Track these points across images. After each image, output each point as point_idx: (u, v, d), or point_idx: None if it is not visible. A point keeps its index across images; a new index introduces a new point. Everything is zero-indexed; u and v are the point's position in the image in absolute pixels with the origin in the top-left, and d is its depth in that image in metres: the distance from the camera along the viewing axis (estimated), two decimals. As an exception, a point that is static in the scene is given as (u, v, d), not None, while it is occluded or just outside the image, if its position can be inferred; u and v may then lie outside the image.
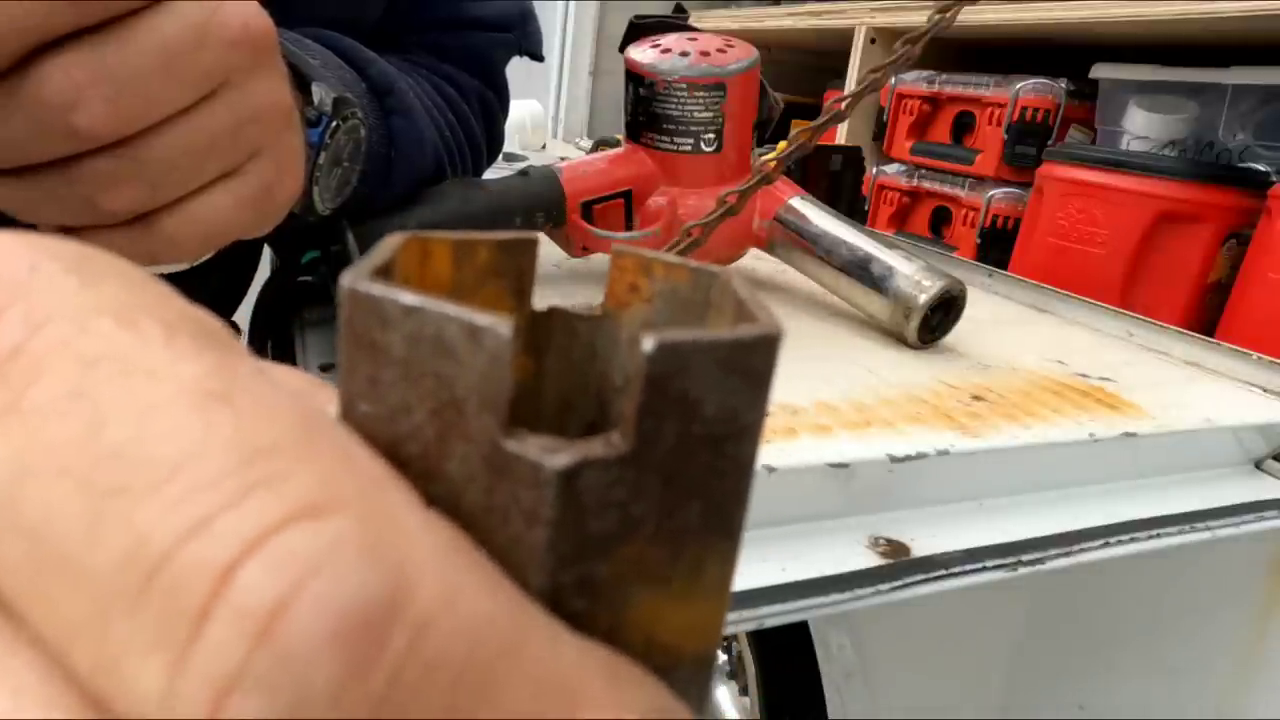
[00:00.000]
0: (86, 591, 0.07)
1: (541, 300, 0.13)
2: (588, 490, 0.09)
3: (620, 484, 0.09)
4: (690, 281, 0.12)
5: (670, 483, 0.09)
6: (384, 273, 0.10)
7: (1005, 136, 1.23)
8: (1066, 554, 0.33)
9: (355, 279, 0.09)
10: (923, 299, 0.47)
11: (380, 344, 0.09)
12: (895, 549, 0.32)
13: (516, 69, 0.61)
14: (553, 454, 0.08)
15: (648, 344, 0.08)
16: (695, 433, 0.09)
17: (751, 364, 0.09)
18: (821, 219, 0.53)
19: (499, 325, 0.08)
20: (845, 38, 1.46)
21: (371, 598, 0.07)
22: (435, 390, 0.09)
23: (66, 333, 0.08)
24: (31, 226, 0.28)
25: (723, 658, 1.00)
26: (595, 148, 1.13)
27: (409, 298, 0.08)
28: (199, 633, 0.07)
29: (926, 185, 1.39)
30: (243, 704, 0.07)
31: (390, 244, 0.10)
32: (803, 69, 1.80)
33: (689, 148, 0.53)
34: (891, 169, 1.45)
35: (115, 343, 0.08)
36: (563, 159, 0.55)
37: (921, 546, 0.32)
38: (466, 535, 0.09)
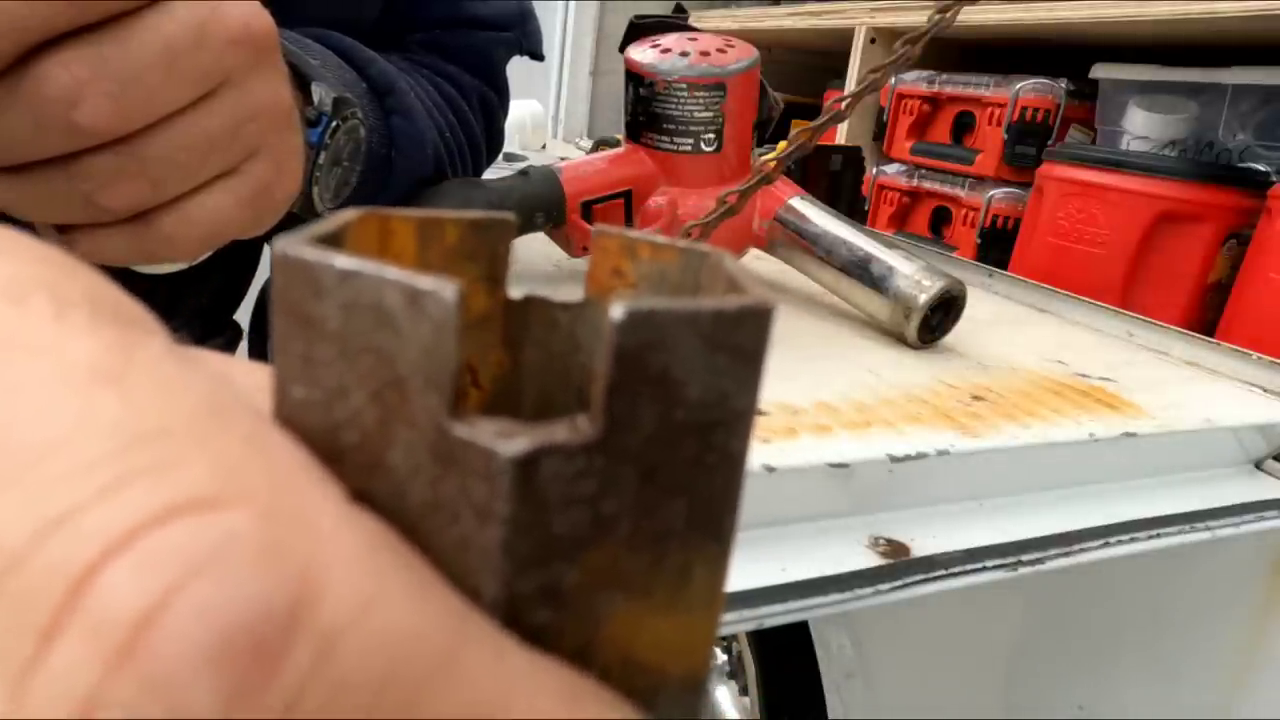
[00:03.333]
0: None
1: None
2: (550, 482, 0.07)
3: (588, 476, 0.08)
4: (679, 263, 0.11)
5: (649, 477, 0.08)
6: (328, 242, 0.08)
7: (1005, 136, 1.23)
8: (1066, 554, 0.33)
9: (287, 243, 0.08)
10: (923, 299, 0.47)
11: (314, 317, 0.08)
12: (895, 549, 0.32)
13: (516, 69, 0.61)
14: (508, 439, 0.07)
15: (617, 312, 0.07)
16: (677, 418, 0.08)
17: (739, 340, 0.08)
18: (821, 219, 0.53)
19: (443, 289, 0.07)
20: (845, 38, 1.46)
21: (265, 607, 0.06)
22: (375, 368, 0.08)
23: None
24: (30, 226, 0.28)
25: (723, 658, 1.00)
26: (595, 148, 1.13)
27: (344, 261, 0.07)
28: (48, 649, 0.06)
29: (926, 185, 1.39)
30: None
31: (342, 217, 0.09)
32: (803, 69, 1.80)
33: (689, 148, 0.53)
34: (891, 169, 1.45)
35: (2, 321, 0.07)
36: (563, 159, 0.55)
37: (921, 546, 0.32)
38: (395, 533, 0.07)
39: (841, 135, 1.47)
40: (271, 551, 0.06)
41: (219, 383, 0.08)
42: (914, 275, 0.48)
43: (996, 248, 1.26)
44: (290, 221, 0.35)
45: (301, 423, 0.08)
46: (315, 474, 0.07)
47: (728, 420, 0.08)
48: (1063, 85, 1.20)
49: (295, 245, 0.08)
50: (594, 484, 0.08)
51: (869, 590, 0.29)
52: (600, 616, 0.08)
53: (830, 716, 0.60)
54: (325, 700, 0.06)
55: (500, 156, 0.73)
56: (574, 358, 0.12)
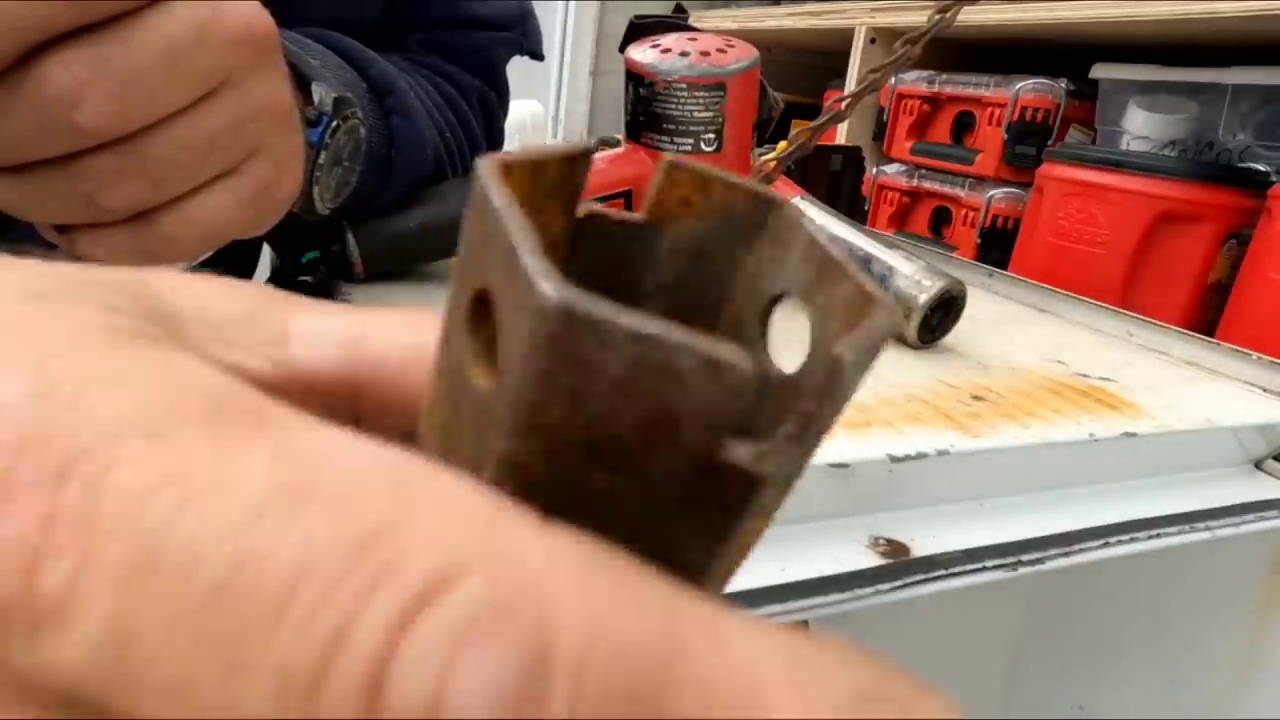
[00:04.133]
0: None
1: None
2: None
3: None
4: (749, 205, 0.12)
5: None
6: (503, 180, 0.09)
7: (1005, 136, 1.23)
8: (1066, 554, 0.33)
9: (573, 299, 0.08)
10: (923, 299, 0.47)
11: (593, 363, 0.08)
12: (895, 549, 0.32)
13: (516, 69, 0.61)
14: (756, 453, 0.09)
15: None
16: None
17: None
18: (822, 219, 0.53)
19: (738, 360, 0.08)
20: (845, 38, 1.46)
21: (521, 661, 0.07)
22: (652, 408, 0.08)
23: (97, 475, 0.07)
24: (29, 227, 0.28)
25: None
26: (595, 148, 1.13)
27: (633, 321, 0.08)
28: None
29: (926, 185, 1.39)
30: None
31: (490, 168, 0.10)
32: (803, 69, 1.80)
33: (689, 148, 0.53)
34: (891, 169, 1.45)
35: (160, 466, 0.07)
36: (563, 159, 0.55)
37: (921, 546, 0.32)
38: (595, 540, 0.08)
39: (841, 135, 1.47)
40: (507, 611, 0.07)
41: (369, 444, 0.08)
42: (914, 275, 0.48)
43: (996, 248, 1.26)
44: (290, 221, 0.35)
45: (548, 434, 0.08)
46: (503, 507, 0.08)
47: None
48: (1063, 85, 1.20)
49: (582, 302, 0.08)
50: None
51: (869, 590, 0.29)
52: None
53: (830, 716, 0.60)
54: (591, 715, 0.07)
55: (500, 156, 0.73)
56: (621, 270, 0.13)
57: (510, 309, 0.08)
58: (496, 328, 0.09)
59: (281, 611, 0.07)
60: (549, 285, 0.08)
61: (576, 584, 0.07)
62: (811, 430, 0.10)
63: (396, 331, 0.12)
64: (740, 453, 0.09)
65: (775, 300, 0.12)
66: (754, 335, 0.12)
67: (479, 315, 0.10)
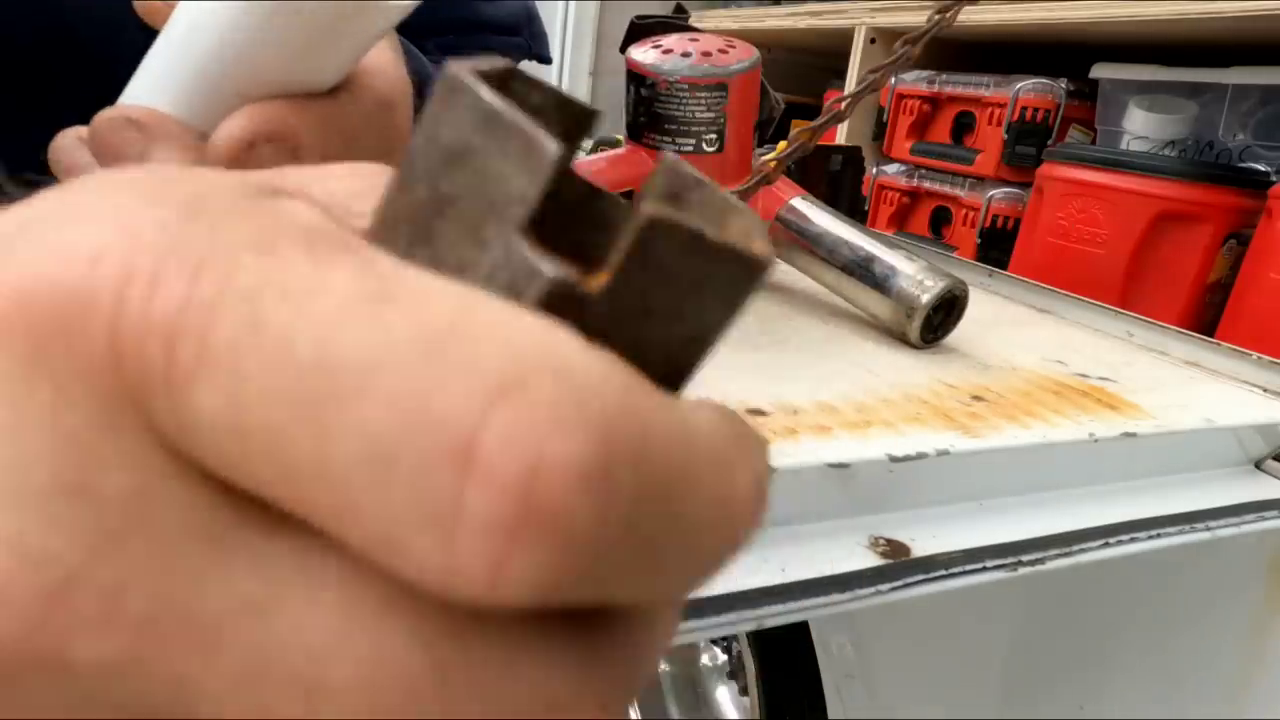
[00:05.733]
0: (340, 494, 0.08)
1: None
2: (563, 309, 0.10)
3: (591, 321, 0.10)
4: (725, 215, 0.13)
5: (633, 345, 0.10)
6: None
7: (1005, 136, 1.23)
8: (1066, 554, 0.33)
9: (461, 69, 0.10)
10: (925, 299, 0.47)
11: (447, 134, 0.10)
12: (895, 549, 0.32)
13: (517, 69, 0.61)
14: (551, 263, 0.10)
15: (649, 209, 0.09)
16: (656, 304, 0.10)
17: (730, 277, 0.10)
18: (823, 219, 0.53)
19: (551, 145, 0.09)
20: (845, 38, 1.46)
21: (597, 449, 0.08)
22: (477, 185, 0.10)
23: (221, 276, 0.09)
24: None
25: (722, 658, 1.00)
26: (596, 148, 1.13)
27: (492, 97, 0.10)
28: (460, 509, 0.08)
29: (926, 185, 1.39)
30: (519, 561, 0.08)
31: (480, 66, 0.11)
32: (803, 69, 1.80)
33: (690, 148, 0.53)
34: (891, 169, 1.45)
35: (267, 272, 0.09)
36: (563, 159, 0.55)
37: (921, 546, 0.32)
38: (618, 355, 0.09)
39: (841, 135, 1.47)
40: (576, 406, 0.08)
41: (433, 275, 0.10)
42: (916, 275, 0.48)
43: (996, 248, 1.26)
44: None
45: (394, 212, 0.11)
46: (556, 328, 0.09)
47: (699, 336, 0.11)
48: (1063, 85, 1.20)
49: (466, 73, 0.10)
50: (595, 330, 0.10)
51: (869, 590, 0.29)
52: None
53: (830, 716, 0.60)
54: (645, 494, 0.09)
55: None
56: (591, 235, 0.14)
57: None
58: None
59: (364, 386, 0.08)
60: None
61: (620, 387, 0.09)
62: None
63: None
64: (534, 254, 0.10)
65: None
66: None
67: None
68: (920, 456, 0.34)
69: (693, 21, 0.66)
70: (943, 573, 0.31)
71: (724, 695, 0.98)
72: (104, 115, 0.26)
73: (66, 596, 0.08)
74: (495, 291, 0.10)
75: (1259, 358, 0.51)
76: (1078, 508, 0.37)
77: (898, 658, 0.58)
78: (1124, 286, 1.02)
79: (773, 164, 0.43)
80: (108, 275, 0.09)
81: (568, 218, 0.13)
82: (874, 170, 1.46)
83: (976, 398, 0.42)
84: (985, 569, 0.32)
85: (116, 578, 0.09)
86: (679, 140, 0.53)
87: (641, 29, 0.57)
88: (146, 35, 0.27)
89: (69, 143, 0.27)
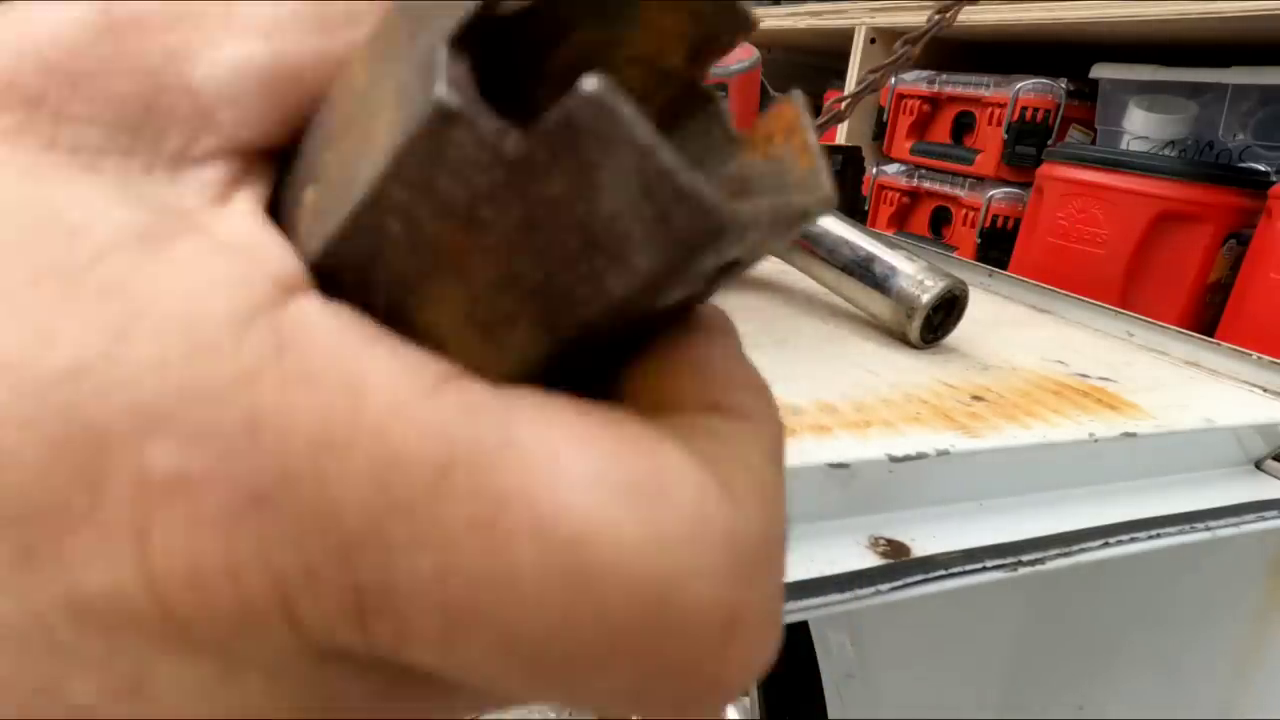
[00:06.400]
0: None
1: None
2: (453, 146, 0.08)
3: (483, 174, 0.08)
4: (803, 170, 0.12)
5: (529, 227, 0.09)
6: None
7: (1005, 136, 1.23)
8: (1066, 554, 0.33)
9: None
10: (925, 299, 0.47)
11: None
12: (895, 549, 0.32)
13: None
14: (457, 90, 0.08)
15: (590, 83, 0.08)
16: (579, 213, 0.08)
17: (680, 220, 0.08)
18: (823, 219, 0.53)
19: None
20: (845, 38, 1.46)
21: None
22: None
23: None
24: None
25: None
26: None
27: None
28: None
29: (926, 185, 1.39)
30: None
31: None
32: (803, 69, 1.80)
33: (689, 148, 0.53)
34: (891, 169, 1.45)
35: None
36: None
37: (921, 546, 0.32)
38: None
39: (841, 135, 1.47)
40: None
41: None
42: (916, 275, 0.48)
43: (996, 248, 1.26)
44: None
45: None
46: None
47: (622, 260, 0.09)
48: (1063, 85, 1.20)
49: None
50: (485, 184, 0.08)
51: (869, 590, 0.29)
52: (426, 286, 0.09)
53: (830, 716, 0.60)
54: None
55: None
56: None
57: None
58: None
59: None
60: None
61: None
62: (741, 269, 0.10)
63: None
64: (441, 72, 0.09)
65: None
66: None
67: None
68: (920, 456, 0.34)
69: (693, 21, 0.65)
70: (943, 573, 0.31)
71: (724, 695, 0.98)
72: None
73: None
74: (380, 115, 0.09)
75: (1259, 358, 0.51)
76: (1078, 508, 0.37)
77: (898, 658, 0.58)
78: (1124, 286, 1.02)
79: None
80: None
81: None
82: (874, 170, 1.46)
83: (976, 398, 0.42)
84: (985, 569, 0.32)
85: None
86: (679, 140, 0.53)
87: (641, 29, 0.57)
88: None
89: None
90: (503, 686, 0.09)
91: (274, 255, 0.10)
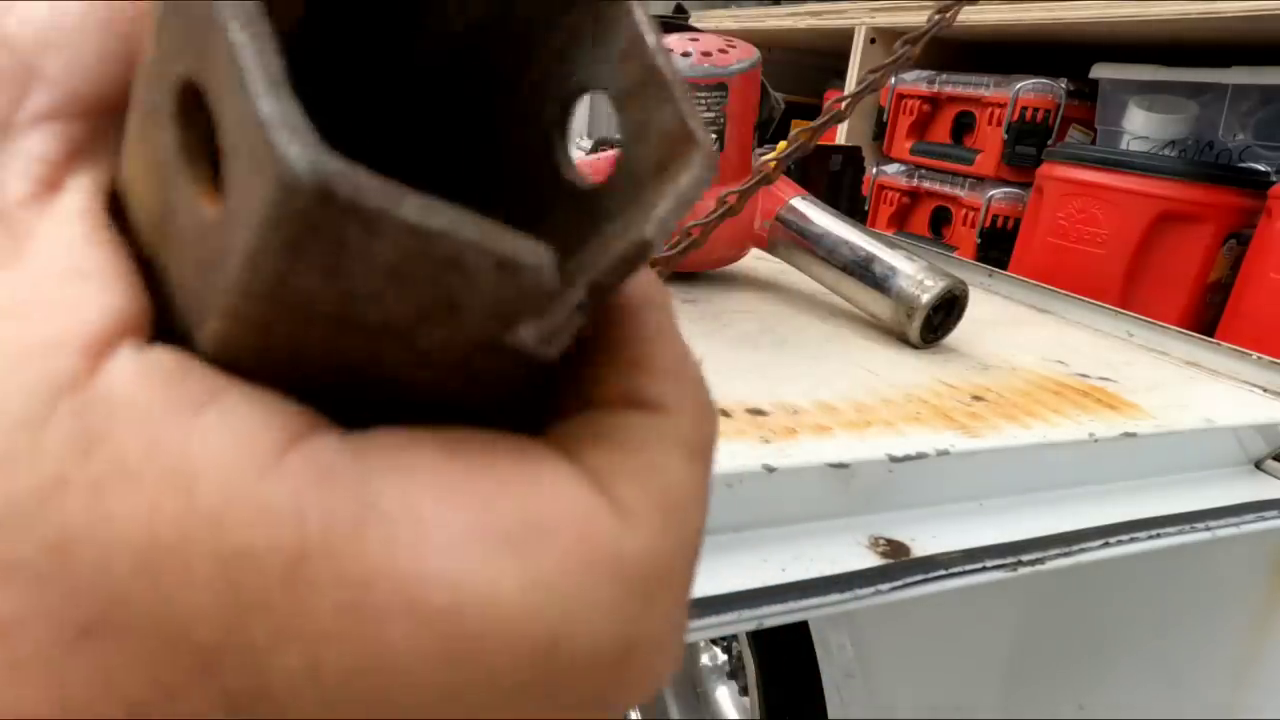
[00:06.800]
0: None
1: None
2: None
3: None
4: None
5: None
6: None
7: (1005, 136, 1.22)
8: (1066, 554, 0.33)
9: (322, 170, 0.07)
10: (925, 299, 0.47)
11: (358, 248, 0.07)
12: (895, 549, 0.32)
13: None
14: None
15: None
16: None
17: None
18: (823, 219, 0.53)
19: (535, 257, 0.08)
20: (845, 38, 1.46)
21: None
22: (430, 295, 0.08)
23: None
24: None
25: (722, 658, 1.00)
26: (595, 148, 1.13)
27: (414, 213, 0.07)
28: None
29: (926, 185, 1.39)
30: None
31: None
32: (803, 69, 1.80)
33: (689, 148, 0.53)
34: (891, 169, 1.45)
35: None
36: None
37: (921, 546, 0.32)
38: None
39: (841, 135, 1.47)
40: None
41: None
42: (916, 275, 0.48)
43: (996, 248, 1.26)
44: None
45: (293, 302, 0.08)
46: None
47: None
48: (1063, 85, 1.20)
49: (345, 181, 0.07)
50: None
51: (869, 590, 0.29)
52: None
53: (830, 716, 0.60)
54: None
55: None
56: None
57: (244, 148, 0.07)
58: (219, 138, 0.07)
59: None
60: (297, 149, 0.06)
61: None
62: (603, 300, 0.09)
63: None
64: (525, 336, 0.08)
65: (581, 91, 0.10)
66: (551, 118, 0.11)
67: (190, 106, 0.08)
68: (920, 456, 0.34)
69: (693, 21, 0.66)
70: (943, 573, 0.31)
71: (724, 695, 0.98)
72: None
73: None
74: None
75: (1259, 358, 0.51)
76: (1078, 508, 0.37)
77: (898, 658, 0.58)
78: (1124, 286, 1.02)
79: (773, 164, 0.43)
80: None
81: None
82: (874, 170, 1.46)
83: (976, 398, 0.42)
84: (985, 569, 0.32)
85: None
86: (679, 140, 0.53)
87: (641, 29, 0.57)
88: None
89: None
90: None
91: (92, 295, 0.08)
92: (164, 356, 0.08)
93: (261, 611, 0.07)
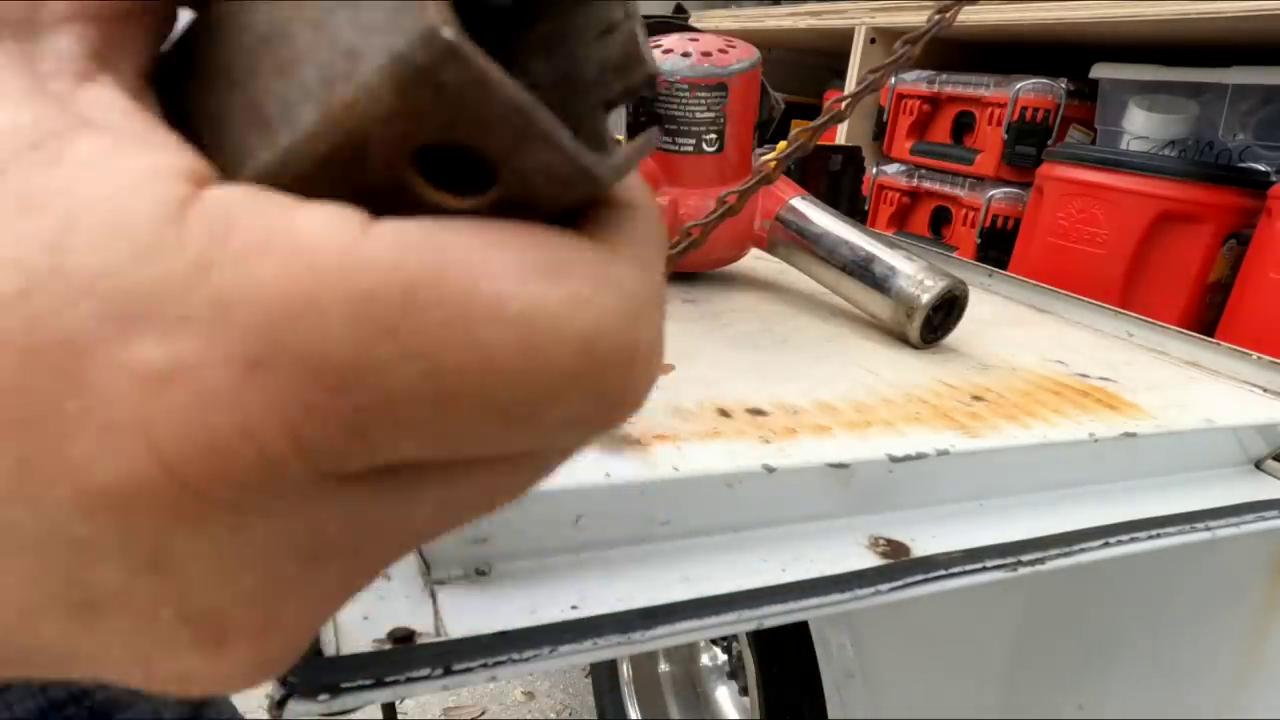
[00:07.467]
0: None
1: None
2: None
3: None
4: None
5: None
6: None
7: (1005, 136, 1.22)
8: (1066, 554, 0.33)
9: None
10: (925, 299, 0.47)
11: None
12: (895, 549, 0.32)
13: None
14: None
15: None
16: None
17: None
18: (823, 219, 0.53)
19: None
20: (845, 38, 1.46)
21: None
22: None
23: None
24: None
25: (722, 658, 1.00)
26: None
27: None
28: None
29: (926, 185, 1.39)
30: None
31: None
32: (803, 69, 1.80)
33: (690, 148, 0.53)
34: (891, 169, 1.45)
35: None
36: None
37: (921, 546, 0.32)
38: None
39: (841, 135, 1.47)
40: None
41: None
42: (916, 275, 0.48)
43: (996, 248, 1.25)
44: None
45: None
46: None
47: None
48: (1063, 85, 1.20)
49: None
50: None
51: (869, 590, 0.29)
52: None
53: (830, 716, 0.60)
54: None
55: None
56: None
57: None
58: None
59: None
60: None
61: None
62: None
63: None
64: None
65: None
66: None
67: None
68: (920, 456, 0.34)
69: (693, 21, 0.66)
70: (943, 573, 0.31)
71: (724, 695, 0.98)
72: None
73: None
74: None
75: (1259, 358, 0.51)
76: (1078, 508, 0.37)
77: (898, 658, 0.58)
78: (1124, 286, 1.02)
79: (773, 164, 0.43)
80: None
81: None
82: (874, 170, 1.46)
83: (976, 398, 0.42)
84: (985, 569, 0.32)
85: None
86: (679, 140, 0.53)
87: (641, 29, 0.57)
88: None
89: None
90: (482, 449, 0.11)
91: (170, 146, 0.10)
92: (254, 188, 0.10)
93: (388, 335, 0.10)
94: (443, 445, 0.11)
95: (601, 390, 0.11)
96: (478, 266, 0.10)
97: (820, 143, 0.51)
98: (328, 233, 0.10)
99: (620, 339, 0.11)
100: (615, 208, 0.13)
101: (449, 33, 0.09)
